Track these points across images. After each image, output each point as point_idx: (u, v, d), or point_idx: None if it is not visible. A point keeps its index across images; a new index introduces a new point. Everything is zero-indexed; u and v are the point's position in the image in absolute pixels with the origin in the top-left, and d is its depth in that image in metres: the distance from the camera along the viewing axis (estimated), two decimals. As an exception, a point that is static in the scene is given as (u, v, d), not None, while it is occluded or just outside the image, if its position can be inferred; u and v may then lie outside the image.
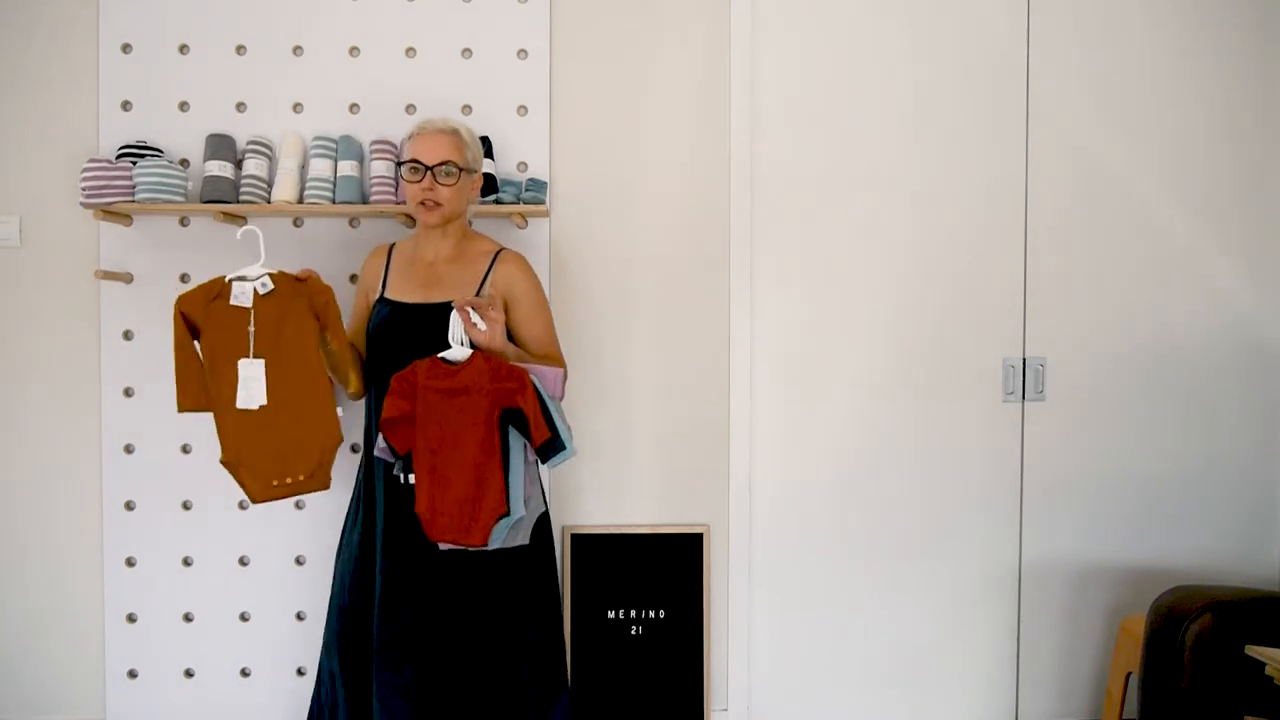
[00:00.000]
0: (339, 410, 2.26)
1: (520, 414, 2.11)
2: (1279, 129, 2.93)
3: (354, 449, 2.74)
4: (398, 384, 2.14)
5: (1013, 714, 2.96)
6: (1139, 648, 2.35)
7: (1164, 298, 2.93)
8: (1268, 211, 2.94)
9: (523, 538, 2.18)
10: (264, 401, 2.19)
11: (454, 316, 2.14)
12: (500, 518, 2.10)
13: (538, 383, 2.15)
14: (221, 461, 2.22)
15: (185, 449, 2.75)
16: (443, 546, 2.16)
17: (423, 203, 2.25)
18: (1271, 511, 2.97)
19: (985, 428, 2.91)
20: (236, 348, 2.19)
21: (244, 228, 2.34)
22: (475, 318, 2.14)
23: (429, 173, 2.23)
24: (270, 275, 2.21)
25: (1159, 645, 2.25)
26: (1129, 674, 2.61)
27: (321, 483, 2.26)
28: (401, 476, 2.21)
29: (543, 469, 2.46)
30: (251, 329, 2.19)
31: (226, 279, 2.21)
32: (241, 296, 2.19)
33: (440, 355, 2.14)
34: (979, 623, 2.93)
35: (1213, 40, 2.91)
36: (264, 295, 2.19)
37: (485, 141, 2.66)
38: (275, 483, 2.23)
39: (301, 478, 2.24)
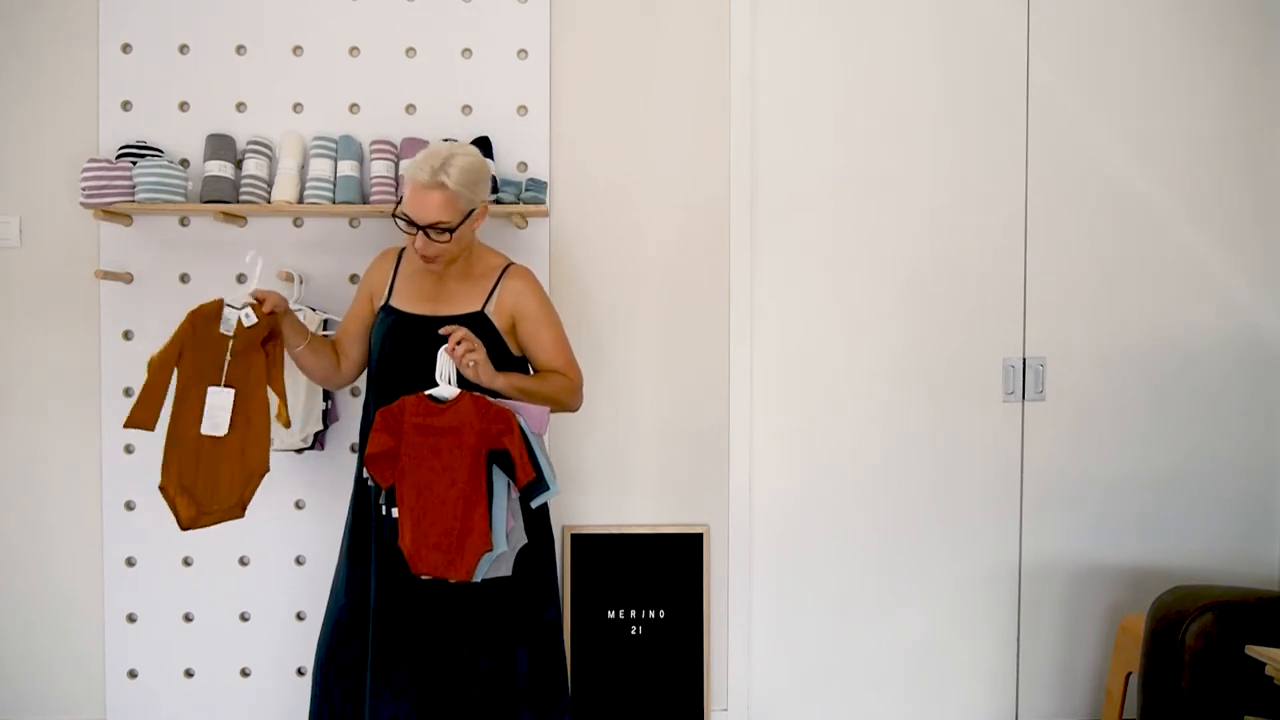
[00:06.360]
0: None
1: (506, 455, 2.08)
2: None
3: (353, 449, 2.75)
4: (383, 419, 2.11)
5: (1013, 714, 2.96)
6: (1139, 648, 2.35)
7: (1164, 297, 2.93)
8: (1268, 210, 2.94)
9: (504, 569, 2.15)
10: (225, 431, 2.20)
11: (441, 354, 2.10)
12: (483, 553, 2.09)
13: (523, 423, 2.11)
14: (159, 486, 2.21)
15: (185, 449, 2.75)
16: (425, 577, 2.14)
17: (422, 255, 2.19)
18: (1271, 512, 2.97)
19: (985, 428, 2.91)
20: (209, 374, 2.19)
21: (250, 255, 2.25)
22: (466, 358, 2.08)
23: (421, 231, 2.14)
24: (252, 308, 2.17)
25: (1159, 645, 2.25)
26: (1129, 674, 2.61)
27: (240, 513, 2.26)
28: (384, 509, 2.16)
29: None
30: (228, 358, 2.19)
31: (225, 305, 2.21)
32: (228, 325, 2.20)
33: (428, 393, 2.10)
34: (979, 622, 2.93)
35: (1214, 39, 2.91)
36: (246, 327, 2.18)
37: (485, 142, 2.66)
38: (206, 512, 2.24)
39: (228, 507, 2.24)
